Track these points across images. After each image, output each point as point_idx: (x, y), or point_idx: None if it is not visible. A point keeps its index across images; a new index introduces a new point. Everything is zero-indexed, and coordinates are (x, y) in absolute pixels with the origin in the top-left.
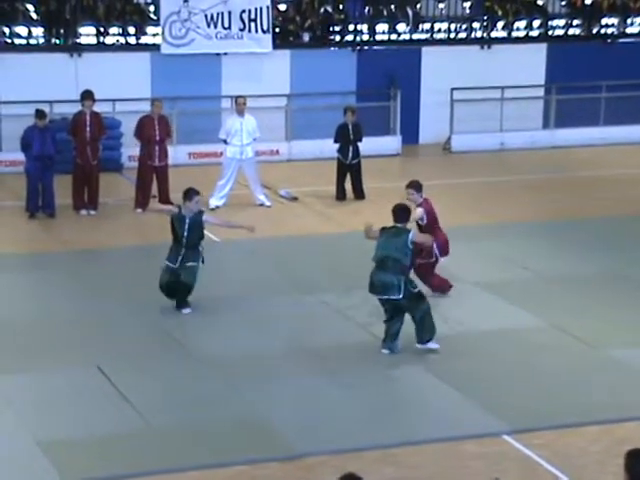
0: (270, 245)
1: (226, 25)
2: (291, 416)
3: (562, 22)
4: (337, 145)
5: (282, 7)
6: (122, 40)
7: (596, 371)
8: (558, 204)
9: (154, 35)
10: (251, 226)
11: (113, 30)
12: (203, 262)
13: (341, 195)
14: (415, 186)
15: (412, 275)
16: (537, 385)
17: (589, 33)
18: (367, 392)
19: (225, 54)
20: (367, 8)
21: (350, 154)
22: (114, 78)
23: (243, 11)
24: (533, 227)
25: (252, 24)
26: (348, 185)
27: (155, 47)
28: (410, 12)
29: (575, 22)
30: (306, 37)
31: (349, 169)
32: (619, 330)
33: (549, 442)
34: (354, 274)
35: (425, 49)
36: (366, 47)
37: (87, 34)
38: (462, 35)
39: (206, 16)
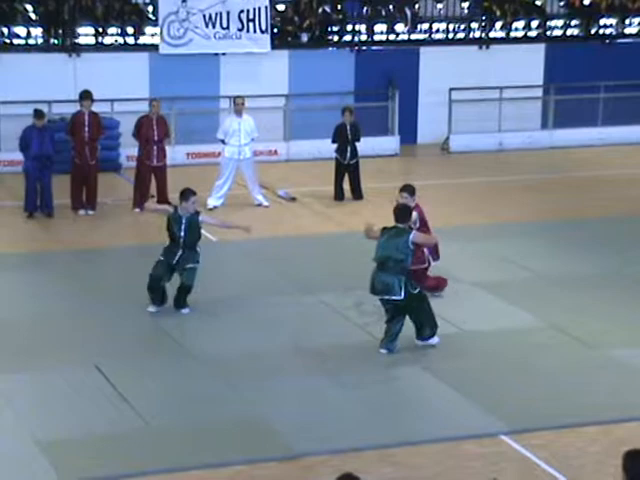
0: (269, 245)
1: (224, 25)
2: (290, 416)
3: (560, 22)
4: (335, 145)
5: (280, 7)
6: (120, 40)
7: (595, 371)
8: (556, 204)
9: (152, 35)
10: (247, 226)
11: (111, 30)
12: (198, 262)
13: (339, 195)
14: (409, 190)
15: None
16: (536, 385)
17: (587, 33)
18: (366, 392)
19: (223, 54)
20: (365, 8)
21: (348, 154)
22: (112, 78)
23: (241, 11)
24: (532, 227)
25: (250, 24)
26: (346, 185)
27: (153, 47)
28: (408, 12)
29: (573, 22)
30: (304, 37)
31: (347, 169)
32: (618, 330)
33: (548, 442)
34: (353, 274)
35: (423, 49)
36: (364, 47)
37: (85, 34)
38: (460, 35)
39: (204, 16)
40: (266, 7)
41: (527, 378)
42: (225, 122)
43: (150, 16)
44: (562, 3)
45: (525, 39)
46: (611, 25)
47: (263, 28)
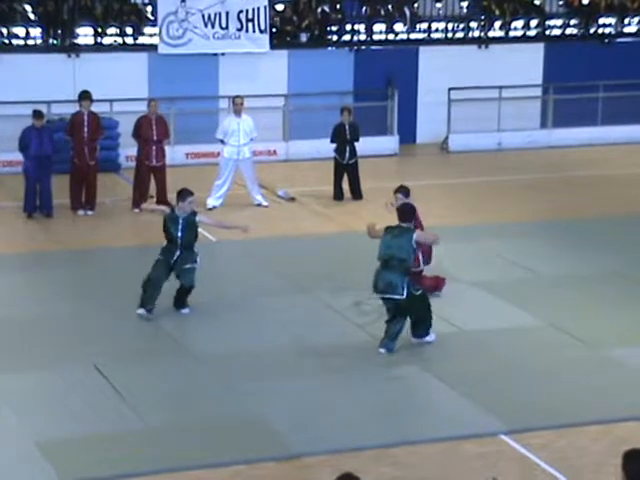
0: (268, 245)
1: (223, 25)
2: (288, 416)
3: (559, 22)
4: (334, 145)
5: (279, 7)
6: (119, 40)
7: (595, 371)
8: (556, 204)
9: (151, 35)
10: (245, 226)
11: (111, 30)
12: (196, 262)
13: (339, 195)
14: (404, 191)
15: None
16: (536, 385)
17: (587, 33)
18: (365, 392)
19: (222, 54)
20: (364, 8)
21: (347, 154)
22: (112, 78)
23: (240, 11)
24: (531, 227)
25: (249, 24)
26: (345, 185)
27: (152, 47)
28: (407, 12)
29: (572, 22)
30: (303, 37)
31: (346, 169)
32: (618, 330)
33: (548, 442)
34: (352, 274)
35: (422, 49)
36: (363, 47)
37: (85, 34)
38: (459, 35)
39: (203, 16)
40: (265, 7)
41: (527, 378)
42: (224, 122)
43: (149, 16)
44: (561, 2)
45: (524, 38)
46: (610, 24)
47: (262, 28)
